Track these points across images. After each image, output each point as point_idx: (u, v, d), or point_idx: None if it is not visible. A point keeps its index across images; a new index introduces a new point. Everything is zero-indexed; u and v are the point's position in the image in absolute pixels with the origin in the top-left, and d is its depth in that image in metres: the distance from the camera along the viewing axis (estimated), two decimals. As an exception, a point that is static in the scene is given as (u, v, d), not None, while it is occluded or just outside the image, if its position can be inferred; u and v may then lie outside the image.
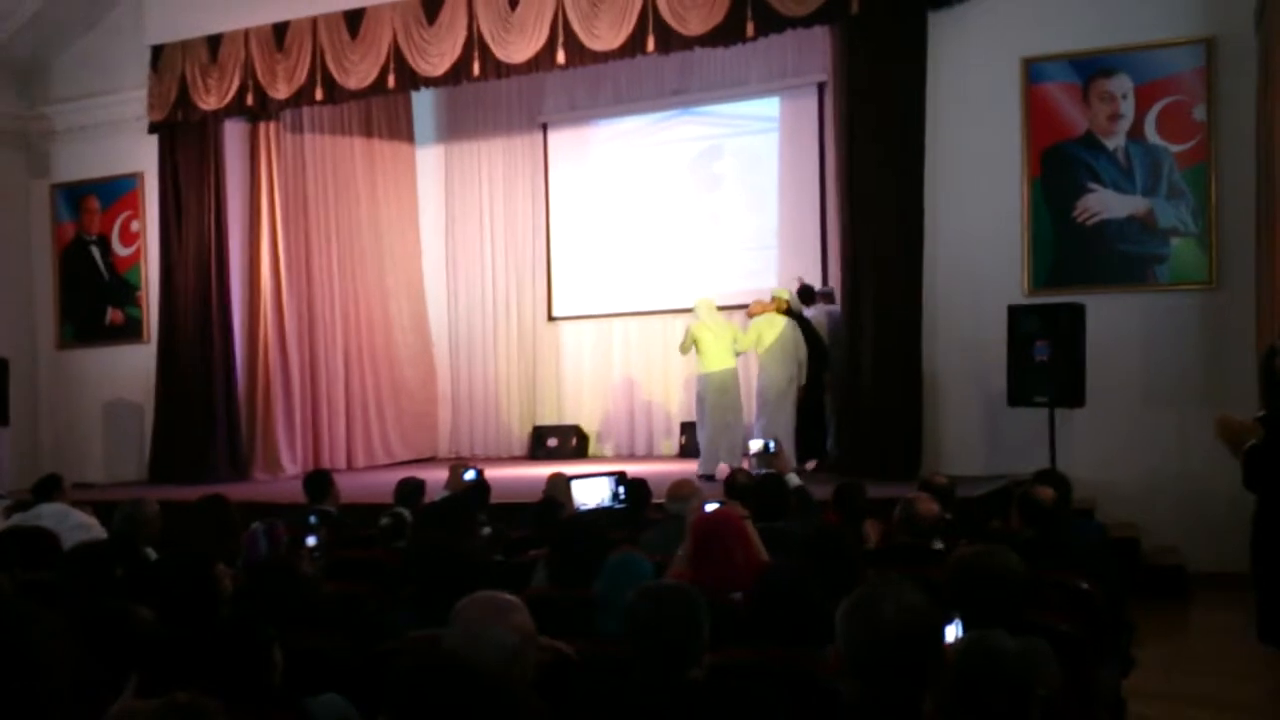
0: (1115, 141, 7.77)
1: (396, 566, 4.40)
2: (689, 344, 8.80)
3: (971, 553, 2.79)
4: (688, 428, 10.68)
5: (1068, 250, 7.88)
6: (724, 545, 3.50)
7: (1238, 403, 6.17)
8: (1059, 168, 7.89)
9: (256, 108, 10.15)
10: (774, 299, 8.98)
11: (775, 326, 8.71)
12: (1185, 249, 7.64)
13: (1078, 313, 7.22)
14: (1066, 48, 7.88)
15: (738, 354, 8.80)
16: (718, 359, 8.65)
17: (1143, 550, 7.01)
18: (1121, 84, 7.74)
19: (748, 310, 9.15)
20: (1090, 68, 7.83)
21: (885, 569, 3.70)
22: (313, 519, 4.87)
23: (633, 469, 7.67)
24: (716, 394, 8.62)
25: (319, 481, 6.00)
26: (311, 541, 4.32)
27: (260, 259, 10.50)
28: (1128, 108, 7.73)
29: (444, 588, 3.27)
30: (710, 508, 4.19)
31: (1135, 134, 7.72)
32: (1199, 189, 7.59)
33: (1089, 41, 7.80)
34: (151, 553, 4.63)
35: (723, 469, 8.21)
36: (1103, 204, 7.80)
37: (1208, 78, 7.53)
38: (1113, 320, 7.54)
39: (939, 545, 4.01)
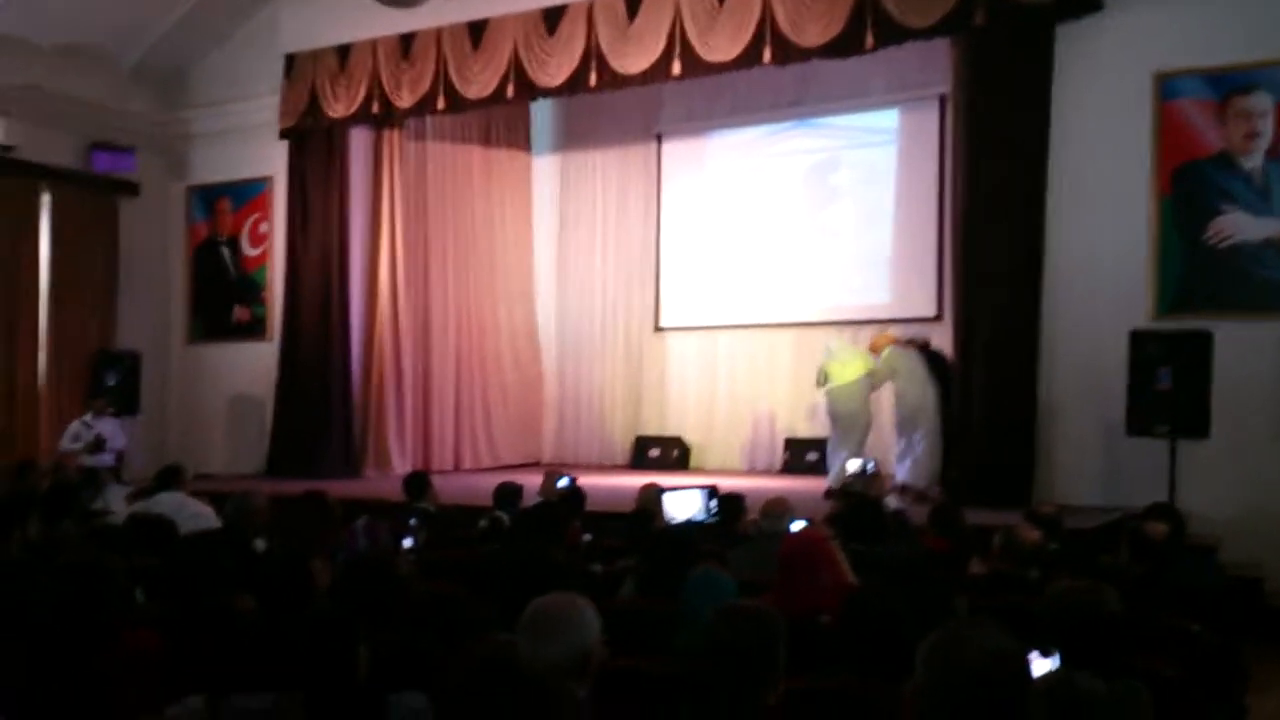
0: (1252, 161, 7.39)
1: (490, 569, 4.45)
2: (822, 378, 8.71)
3: (1068, 589, 2.66)
4: (791, 444, 10.59)
5: (1197, 274, 7.52)
6: (809, 566, 3.44)
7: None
8: (1191, 188, 7.54)
9: (381, 116, 10.49)
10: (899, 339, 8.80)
11: (900, 354, 8.50)
12: (1327, 276, 7.21)
13: (1204, 340, 6.88)
14: (1203, 62, 7.52)
15: (873, 385, 8.61)
16: (842, 375, 8.56)
17: (1266, 592, 6.62)
18: (1261, 101, 7.35)
19: (870, 345, 8.91)
20: (1228, 84, 7.46)
21: (981, 598, 3.58)
22: (413, 521, 4.96)
23: (733, 483, 7.65)
24: (840, 407, 8.51)
25: (418, 482, 6.17)
26: (409, 543, 4.40)
27: (379, 263, 10.82)
28: (1266, 126, 7.34)
29: (530, 592, 3.29)
30: (796, 528, 4.13)
31: (1274, 154, 7.32)
32: (1344, 213, 7.15)
33: (1228, 56, 7.44)
34: (261, 543, 4.80)
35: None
36: (1236, 226, 7.41)
37: (1357, 95, 7.10)
38: (1244, 349, 7.15)
39: (1036, 575, 3.86)
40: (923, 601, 3.10)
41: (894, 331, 8.99)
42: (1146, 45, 7.65)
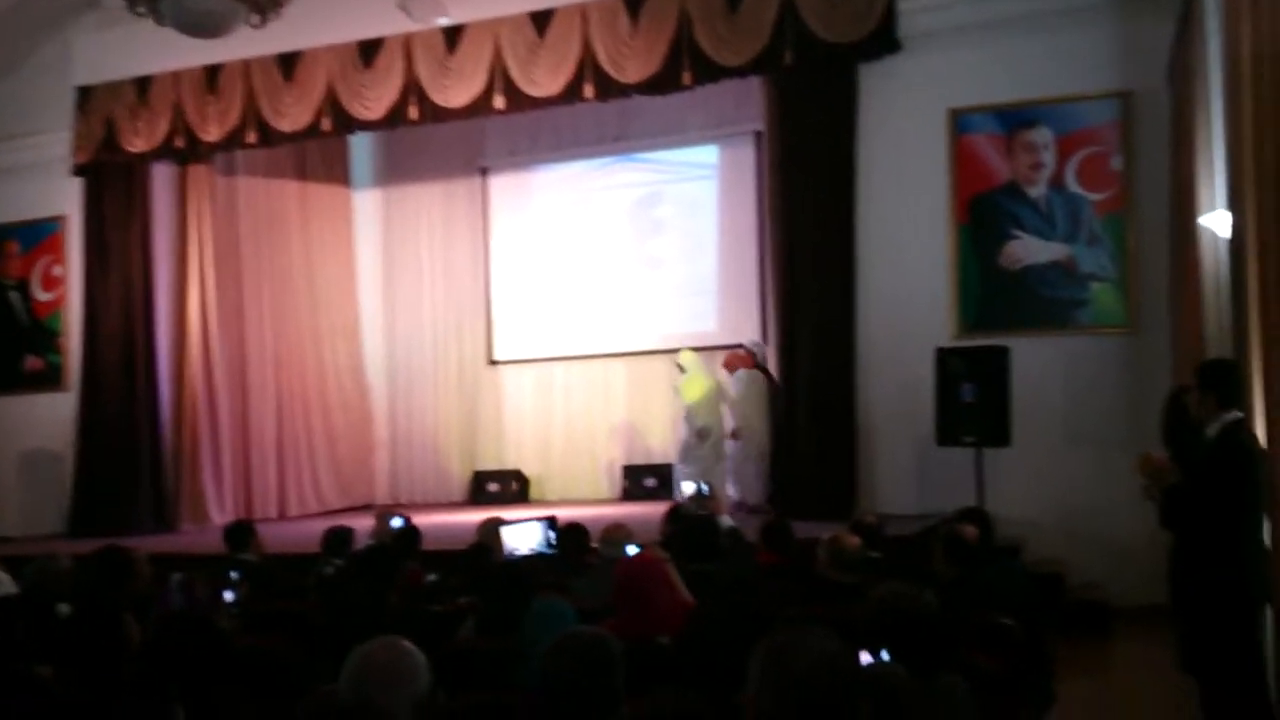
0: (1037, 190, 8.00)
1: (319, 620, 4.30)
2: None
3: (889, 592, 2.80)
4: (630, 471, 10.69)
5: (993, 295, 8.07)
6: (645, 589, 3.48)
7: (1155, 441, 6.31)
8: (985, 216, 8.10)
9: (186, 150, 10.03)
10: (747, 353, 9.22)
11: (756, 381, 8.92)
12: (1104, 294, 7.86)
13: (1003, 355, 7.38)
14: (991, 100, 8.12)
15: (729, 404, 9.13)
16: (696, 389, 9.10)
17: (1067, 586, 7.12)
18: (1043, 135, 7.99)
19: (724, 363, 9.34)
20: (1014, 119, 8.07)
21: (808, 607, 3.71)
22: (234, 574, 4.74)
23: (574, 513, 7.65)
24: (699, 421, 9.05)
25: (239, 532, 5.88)
26: (229, 597, 4.20)
27: (189, 303, 10.29)
28: (1049, 158, 7.97)
29: (363, 640, 3.20)
30: (631, 552, 4.19)
31: (1056, 183, 7.96)
32: (1117, 236, 7.83)
33: (1012, 94, 8.05)
34: (64, 608, 4.48)
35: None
36: (1026, 250, 8.01)
37: (1124, 130, 7.81)
38: (1037, 362, 7.71)
39: (858, 581, 4.03)
40: (757, 615, 3.19)
41: (742, 352, 9.33)
42: (941, 84, 8.19)
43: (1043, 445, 7.68)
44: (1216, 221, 5.22)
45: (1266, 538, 3.99)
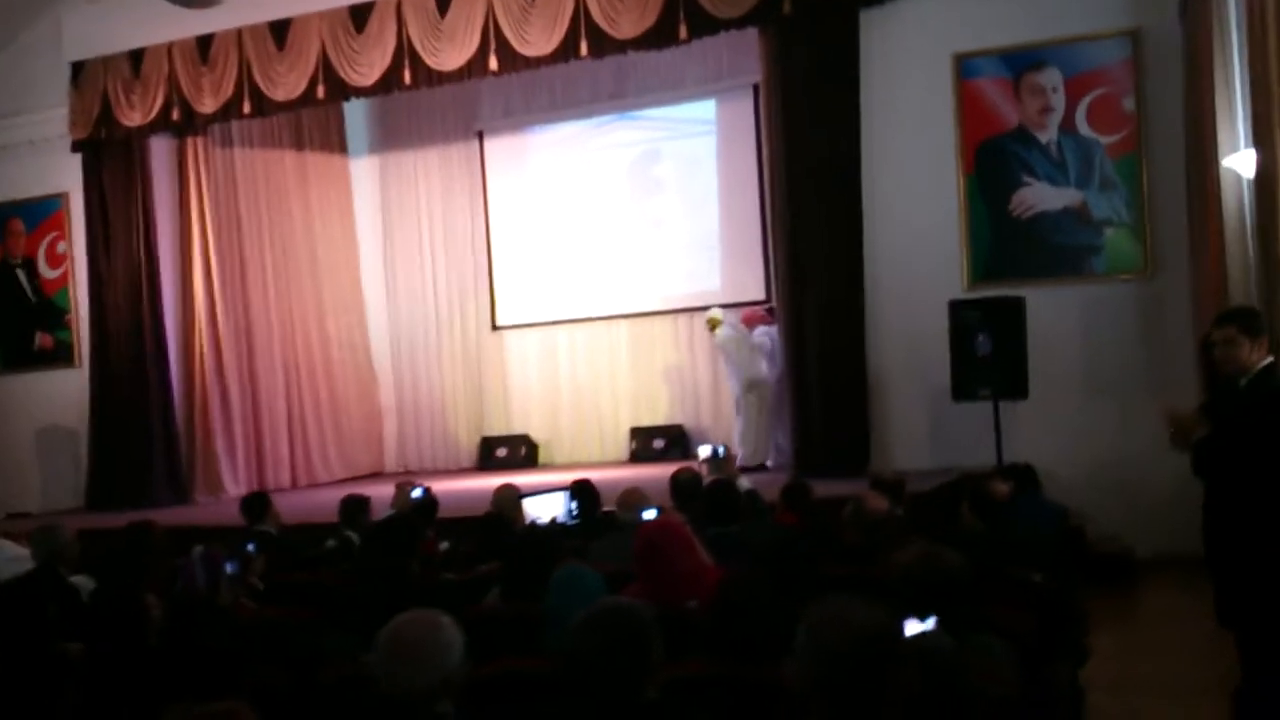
0: (1047, 135, 7.87)
1: (341, 590, 4.28)
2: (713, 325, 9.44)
3: (914, 558, 2.73)
4: (637, 433, 10.66)
5: (1005, 244, 7.96)
6: (667, 554, 3.43)
7: (1177, 389, 6.28)
8: (993, 162, 7.97)
9: (183, 123, 9.96)
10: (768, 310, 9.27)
11: (770, 333, 8.96)
12: (1119, 239, 7.75)
13: (1017, 305, 7.29)
14: (997, 43, 7.96)
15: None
16: (740, 350, 9.15)
17: (1088, 538, 7.08)
18: (1051, 77, 7.83)
19: (743, 318, 9.38)
20: (1021, 62, 7.91)
21: (839, 568, 3.67)
22: (250, 546, 4.70)
23: (584, 477, 7.61)
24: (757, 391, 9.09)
25: (257, 503, 5.89)
26: (230, 569, 4.14)
27: (193, 277, 10.27)
28: (1058, 101, 7.82)
29: (389, 610, 3.17)
30: (648, 516, 4.14)
31: (1066, 127, 7.82)
32: (1130, 179, 7.70)
33: (1018, 36, 7.90)
34: (82, 581, 4.50)
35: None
36: (1037, 197, 7.88)
37: (1135, 69, 7.65)
38: (1052, 312, 7.62)
39: (886, 542, 3.98)
40: (791, 580, 3.16)
41: (763, 311, 9.39)
42: (944, 28, 8.03)
43: (1061, 396, 7.61)
44: (1240, 161, 5.11)
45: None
